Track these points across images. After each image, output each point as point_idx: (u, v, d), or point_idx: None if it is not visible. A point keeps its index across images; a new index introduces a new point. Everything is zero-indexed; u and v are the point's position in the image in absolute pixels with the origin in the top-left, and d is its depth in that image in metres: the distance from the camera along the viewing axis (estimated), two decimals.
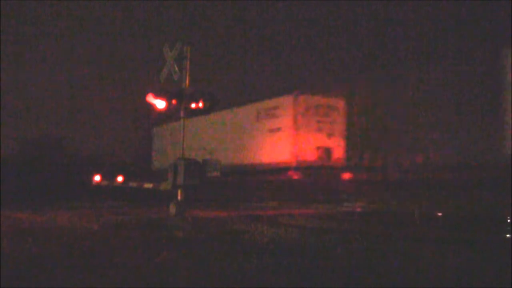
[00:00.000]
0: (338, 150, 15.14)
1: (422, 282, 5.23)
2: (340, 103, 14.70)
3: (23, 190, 20.75)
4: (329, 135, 14.66)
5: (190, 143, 21.81)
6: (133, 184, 19.14)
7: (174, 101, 11.08)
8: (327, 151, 15.04)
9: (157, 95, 10.94)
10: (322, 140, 14.66)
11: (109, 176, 22.73)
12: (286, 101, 14.63)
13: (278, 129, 14.61)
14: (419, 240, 8.28)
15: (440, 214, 12.27)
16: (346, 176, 14.99)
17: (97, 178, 22.65)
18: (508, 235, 9.17)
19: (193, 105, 11.15)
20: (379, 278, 5.34)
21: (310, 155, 14.54)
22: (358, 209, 14.29)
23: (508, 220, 10.65)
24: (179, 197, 11.03)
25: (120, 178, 20.22)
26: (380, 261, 6.37)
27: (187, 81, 11.03)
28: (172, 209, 10.95)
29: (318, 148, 14.57)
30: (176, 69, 10.93)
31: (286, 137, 14.66)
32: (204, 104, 11.17)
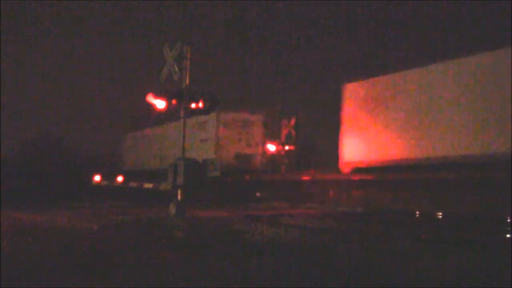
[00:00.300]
0: (257, 157, 18.03)
1: (422, 282, 5.23)
2: (259, 118, 17.97)
3: (23, 190, 20.75)
4: (248, 145, 17.45)
5: (145, 152, 23.86)
6: (133, 184, 19.19)
7: (174, 101, 11.08)
8: (247, 158, 17.89)
9: (157, 95, 10.95)
10: (242, 149, 17.47)
11: (109, 176, 22.80)
12: (211, 117, 17.62)
13: (206, 139, 17.92)
14: (419, 240, 8.28)
15: (440, 214, 12.27)
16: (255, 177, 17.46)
17: (97, 178, 22.73)
18: (508, 235, 9.17)
19: (193, 105, 11.16)
20: (379, 278, 5.34)
21: (230, 161, 17.38)
22: (359, 209, 14.33)
23: (508, 220, 10.65)
24: (179, 197, 11.03)
25: (120, 178, 20.30)
26: (380, 261, 6.37)
27: (187, 81, 11.03)
28: (172, 209, 10.95)
29: (237, 155, 17.44)
30: (176, 69, 10.93)
31: (210, 146, 17.86)
32: (204, 104, 11.18)
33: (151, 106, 11.30)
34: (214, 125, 17.70)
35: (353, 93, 14.61)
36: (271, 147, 18.64)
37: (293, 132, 18.48)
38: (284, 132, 18.84)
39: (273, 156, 18.54)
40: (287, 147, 18.61)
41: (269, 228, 9.62)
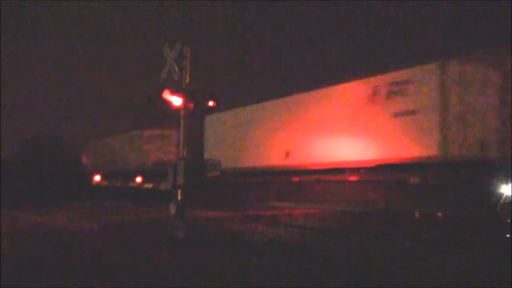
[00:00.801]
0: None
1: (422, 282, 5.23)
2: (173, 133, 22.46)
3: (23, 190, 20.76)
4: (165, 153, 22.85)
5: (98, 157, 28.39)
6: (133, 184, 19.24)
7: (190, 104, 11.05)
8: (162, 164, 22.88)
9: (174, 92, 10.85)
10: (159, 157, 23.03)
11: (109, 176, 22.86)
12: (138, 133, 24.32)
13: (136, 149, 23.67)
14: (419, 240, 8.28)
15: (440, 214, 12.27)
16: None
17: (97, 178, 22.77)
18: (508, 235, 9.17)
19: (193, 105, 11.13)
20: (379, 278, 5.34)
21: (151, 166, 22.82)
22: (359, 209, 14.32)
23: (508, 220, 10.64)
24: (179, 197, 11.01)
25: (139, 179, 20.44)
26: (380, 261, 6.37)
27: (187, 81, 11.02)
28: (172, 209, 10.92)
29: (156, 161, 23.08)
30: (176, 69, 10.91)
31: (138, 154, 24.31)
32: (205, 104, 11.16)
33: (150, 106, 11.28)
34: (141, 139, 23.91)
35: (213, 122, 19.76)
36: None
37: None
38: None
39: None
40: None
41: (269, 228, 9.62)
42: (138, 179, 20.40)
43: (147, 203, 16.27)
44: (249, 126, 17.90)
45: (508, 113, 10.80)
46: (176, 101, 10.83)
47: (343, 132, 14.14)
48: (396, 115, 12.52)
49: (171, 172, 10.90)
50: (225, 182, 18.20)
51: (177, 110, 11.29)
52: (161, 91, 11.00)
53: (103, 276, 5.36)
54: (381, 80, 13.08)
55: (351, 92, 14.00)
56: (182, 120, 11.32)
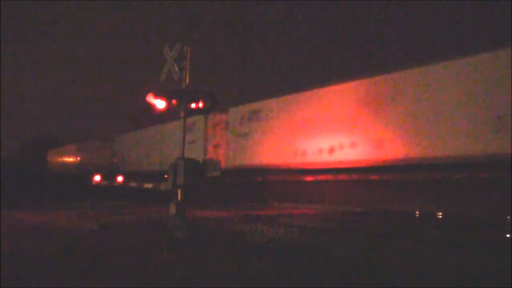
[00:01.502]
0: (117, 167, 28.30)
1: (422, 282, 5.23)
2: (108, 144, 28.35)
3: (23, 190, 20.75)
4: (103, 159, 28.03)
5: (62, 161, 35.24)
6: (133, 184, 19.20)
7: (174, 101, 11.04)
8: (101, 166, 28.63)
9: (157, 95, 10.90)
10: (106, 161, 28.55)
11: (109, 176, 22.85)
12: (84, 144, 32.39)
13: (86, 156, 31.08)
14: (419, 240, 8.28)
15: (440, 214, 12.27)
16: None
17: (97, 178, 22.73)
18: (508, 235, 9.17)
19: (193, 105, 11.13)
20: (379, 278, 5.34)
21: (94, 168, 26.84)
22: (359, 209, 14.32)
23: (508, 220, 10.64)
24: (179, 197, 11.00)
25: (120, 178, 20.31)
26: (380, 261, 6.37)
27: (187, 81, 11.01)
28: (172, 209, 10.91)
29: (97, 164, 28.60)
30: (176, 69, 10.90)
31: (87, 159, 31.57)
32: (204, 104, 11.14)
33: (149, 106, 11.27)
34: (85, 149, 31.17)
35: (123, 139, 27.65)
36: None
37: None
38: None
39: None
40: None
41: (269, 228, 9.62)
42: (120, 178, 21.57)
43: (147, 203, 16.26)
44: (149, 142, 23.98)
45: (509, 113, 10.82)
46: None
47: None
48: (189, 143, 18.67)
49: (171, 172, 10.89)
50: (225, 182, 18.24)
51: (177, 109, 11.27)
52: (160, 91, 10.99)
53: (103, 276, 5.37)
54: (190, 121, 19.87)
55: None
56: (182, 120, 11.32)
